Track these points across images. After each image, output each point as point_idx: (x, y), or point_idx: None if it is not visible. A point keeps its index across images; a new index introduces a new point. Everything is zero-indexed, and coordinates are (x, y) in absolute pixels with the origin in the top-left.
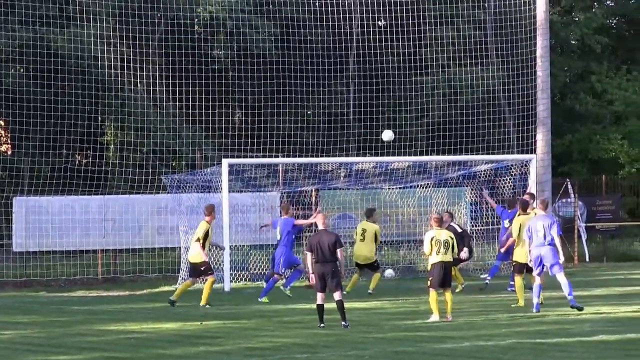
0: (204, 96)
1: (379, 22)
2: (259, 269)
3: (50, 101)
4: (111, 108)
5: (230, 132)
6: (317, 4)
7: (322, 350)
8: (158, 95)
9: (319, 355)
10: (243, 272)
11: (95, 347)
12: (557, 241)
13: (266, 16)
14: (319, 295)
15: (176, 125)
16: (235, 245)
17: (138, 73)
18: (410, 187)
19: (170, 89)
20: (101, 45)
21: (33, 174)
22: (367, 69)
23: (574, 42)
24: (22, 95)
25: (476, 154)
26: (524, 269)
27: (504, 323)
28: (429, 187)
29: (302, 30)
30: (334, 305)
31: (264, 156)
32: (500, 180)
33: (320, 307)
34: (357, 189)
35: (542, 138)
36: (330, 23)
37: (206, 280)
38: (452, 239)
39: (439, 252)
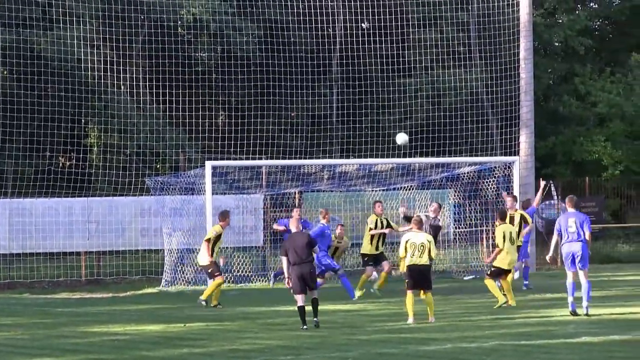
0: (187, 98)
1: (362, 25)
2: (242, 271)
3: (34, 103)
4: (94, 110)
5: (213, 135)
6: (300, 6)
7: (305, 352)
8: (142, 98)
9: (302, 357)
10: (226, 274)
11: (79, 349)
12: (588, 239)
13: (249, 18)
14: (299, 298)
15: (160, 127)
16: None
17: (121, 75)
18: (394, 189)
19: (154, 91)
20: (85, 47)
21: (16, 176)
22: (350, 71)
23: (557, 44)
24: (6, 98)
25: (459, 156)
26: (503, 274)
27: (488, 325)
28: (412, 189)
29: (285, 33)
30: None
31: (247, 158)
32: (483, 182)
33: (302, 309)
34: (341, 191)
35: (525, 140)
36: (313, 25)
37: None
38: (429, 242)
39: (413, 255)
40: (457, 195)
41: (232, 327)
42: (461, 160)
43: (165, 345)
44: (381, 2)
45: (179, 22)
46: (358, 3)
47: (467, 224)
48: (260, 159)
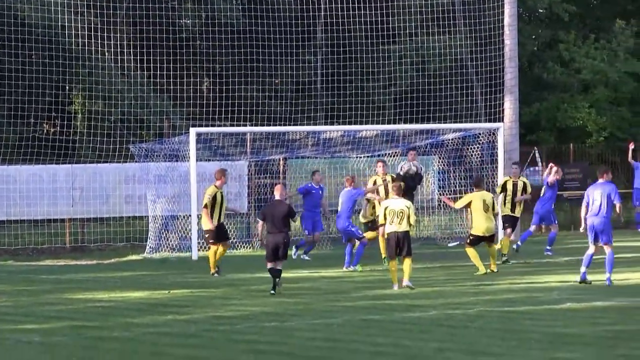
0: (172, 65)
1: None
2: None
3: (18, 70)
4: (79, 77)
5: (198, 101)
6: None
7: (290, 319)
8: (126, 65)
9: (287, 323)
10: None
11: (64, 315)
12: (618, 207)
13: None
14: (269, 264)
15: (144, 94)
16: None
17: (106, 42)
18: (378, 155)
19: (138, 58)
20: (69, 14)
21: (1, 143)
22: (334, 37)
23: (541, 10)
24: None
25: (444, 123)
26: (482, 241)
27: (472, 291)
28: (397, 155)
29: None
30: (299, 274)
31: (231, 125)
32: (468, 149)
33: (272, 270)
34: (325, 158)
35: (509, 107)
36: None
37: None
38: (407, 208)
39: (392, 222)
40: (442, 162)
41: (217, 294)
42: (446, 127)
43: (150, 312)
44: None
45: None
46: None
47: (451, 190)
48: (244, 125)
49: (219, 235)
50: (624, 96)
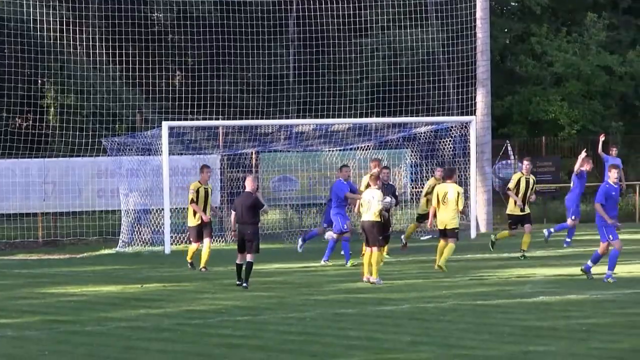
0: (144, 59)
1: None
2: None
3: None
4: (51, 71)
5: (170, 95)
6: None
7: (263, 313)
8: (98, 58)
9: (260, 317)
10: (184, 235)
11: (36, 310)
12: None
13: None
14: (239, 255)
15: (116, 88)
16: (176, 208)
17: (78, 36)
18: (351, 149)
19: (111, 51)
20: (41, 8)
21: None
22: (307, 31)
23: (514, 3)
24: None
25: (416, 116)
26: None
27: (445, 285)
28: (370, 149)
29: None
30: (272, 268)
31: (204, 119)
32: (440, 142)
33: (238, 267)
34: (297, 152)
35: (482, 100)
36: None
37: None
38: (373, 198)
39: (361, 212)
40: (414, 155)
41: (190, 288)
42: (418, 120)
43: (123, 306)
44: None
45: None
46: None
47: (424, 184)
48: (217, 119)
49: (200, 233)
50: (596, 89)
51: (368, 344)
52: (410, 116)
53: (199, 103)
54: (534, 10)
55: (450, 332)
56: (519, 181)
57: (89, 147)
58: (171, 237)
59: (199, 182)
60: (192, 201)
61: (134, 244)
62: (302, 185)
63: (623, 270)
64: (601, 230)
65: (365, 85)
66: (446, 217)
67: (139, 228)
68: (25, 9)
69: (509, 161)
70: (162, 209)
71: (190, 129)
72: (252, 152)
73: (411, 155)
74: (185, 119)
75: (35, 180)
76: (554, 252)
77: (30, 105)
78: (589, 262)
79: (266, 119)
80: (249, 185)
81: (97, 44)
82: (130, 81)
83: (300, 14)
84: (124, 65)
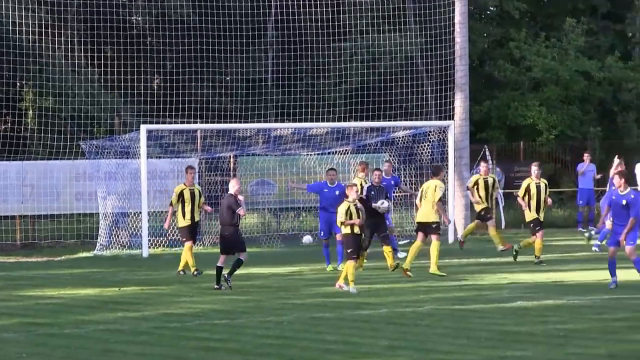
0: (122, 62)
1: None
2: (177, 235)
3: None
4: (30, 74)
5: (149, 98)
6: None
7: (240, 316)
8: (77, 61)
9: (237, 321)
10: (161, 238)
11: (14, 312)
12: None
13: None
14: (221, 257)
15: (95, 91)
16: (154, 211)
17: (57, 39)
18: (329, 153)
19: (89, 54)
20: (19, 10)
21: None
22: (285, 35)
23: (492, 8)
24: None
25: (395, 120)
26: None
27: (423, 289)
28: (347, 153)
29: None
30: (250, 271)
31: (182, 122)
32: (418, 147)
33: (218, 269)
34: (276, 155)
35: (460, 104)
36: None
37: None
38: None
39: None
40: (392, 160)
41: (167, 291)
42: (396, 125)
43: (100, 309)
44: None
45: None
46: None
47: (402, 188)
48: (195, 122)
49: (191, 234)
50: (575, 94)
51: (345, 348)
52: (389, 120)
53: (177, 106)
54: (512, 15)
55: (428, 337)
56: (528, 187)
57: (67, 150)
58: (149, 240)
59: (183, 184)
60: (170, 204)
61: (112, 247)
62: (280, 189)
63: (599, 276)
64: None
65: (344, 89)
66: (425, 211)
67: (117, 231)
68: (3, 12)
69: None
70: (140, 212)
71: (168, 132)
72: (230, 156)
73: (389, 160)
74: (164, 122)
75: (14, 182)
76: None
77: (9, 107)
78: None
79: (244, 122)
80: (232, 187)
81: (75, 47)
82: (109, 84)
83: (279, 17)
84: (102, 69)
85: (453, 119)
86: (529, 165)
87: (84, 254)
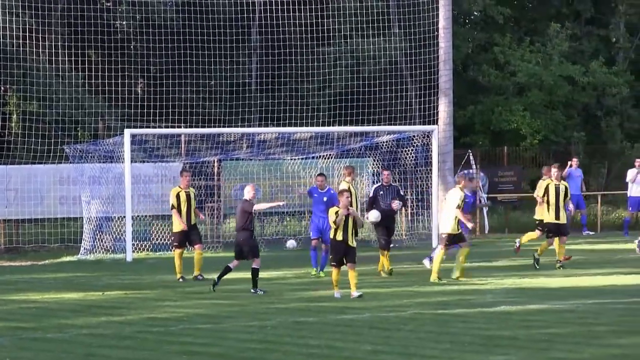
0: (107, 66)
1: None
2: (161, 239)
3: None
4: (14, 78)
5: (133, 103)
6: None
7: (224, 321)
8: (61, 65)
9: (221, 325)
10: (145, 243)
11: None
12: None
13: None
14: (234, 261)
15: (79, 95)
16: (138, 216)
17: (41, 43)
18: (313, 157)
19: (74, 59)
20: (3, 15)
21: None
22: (270, 39)
23: (476, 13)
24: None
25: (379, 125)
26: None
27: (406, 294)
28: (331, 157)
29: (204, 0)
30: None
31: (166, 126)
32: (402, 151)
33: (227, 268)
34: (260, 160)
35: (444, 109)
36: None
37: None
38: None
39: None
40: (376, 164)
41: (151, 296)
42: (380, 129)
43: (84, 314)
44: None
45: None
46: None
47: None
48: (179, 127)
49: (185, 239)
50: (558, 99)
51: (328, 352)
52: (373, 125)
53: (161, 111)
54: (496, 20)
55: (411, 341)
56: (547, 188)
57: (52, 154)
58: (133, 244)
59: (179, 186)
60: (172, 207)
61: (96, 252)
62: (264, 193)
63: (583, 281)
64: None
65: (328, 94)
66: (441, 220)
67: (100, 235)
68: None
69: (470, 171)
70: (124, 217)
71: (152, 136)
72: (214, 160)
73: (373, 164)
74: (148, 127)
75: None
76: (515, 262)
77: None
78: None
79: (229, 127)
80: (247, 192)
81: (60, 51)
82: (93, 88)
83: (263, 22)
84: (86, 73)
85: (437, 123)
86: (512, 170)
87: (68, 258)
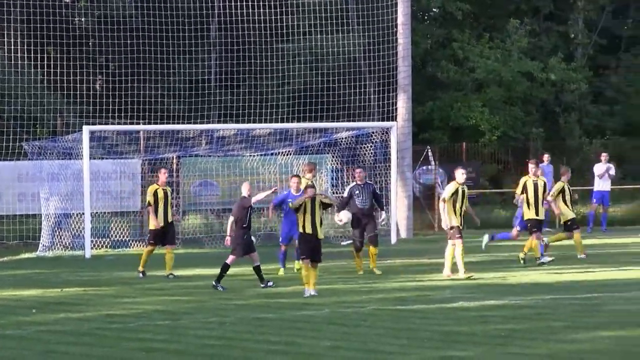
0: (65, 62)
1: None
2: (119, 236)
3: None
4: None
5: (91, 99)
6: None
7: (183, 317)
8: (19, 62)
9: (180, 322)
10: (104, 239)
11: None
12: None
13: None
14: (229, 257)
15: (37, 91)
16: (97, 213)
17: None
18: (272, 154)
19: (32, 55)
20: None
21: None
22: (229, 35)
23: (435, 9)
24: None
25: (338, 121)
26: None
27: (365, 290)
28: (290, 154)
29: None
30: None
31: (125, 123)
32: (361, 148)
33: (225, 265)
34: (219, 156)
35: (403, 105)
36: None
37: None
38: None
39: None
40: (335, 161)
41: (109, 292)
42: (339, 126)
43: (43, 311)
44: None
45: None
46: None
47: (344, 189)
48: (138, 123)
49: (160, 237)
50: (517, 95)
51: (288, 348)
52: (332, 121)
53: (120, 107)
54: (455, 16)
55: (370, 337)
56: (525, 185)
57: (10, 151)
58: (92, 241)
59: (156, 184)
60: (148, 204)
61: (55, 248)
62: (223, 190)
63: (541, 277)
64: None
65: (287, 90)
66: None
67: (59, 232)
68: None
69: (429, 167)
70: (83, 213)
71: (111, 133)
72: (173, 157)
73: (332, 161)
74: (107, 123)
75: None
76: (473, 258)
77: None
78: None
79: (187, 123)
80: (245, 189)
81: (18, 47)
82: (52, 85)
83: (223, 18)
84: (45, 69)
85: (396, 119)
86: (471, 165)
87: (27, 255)
